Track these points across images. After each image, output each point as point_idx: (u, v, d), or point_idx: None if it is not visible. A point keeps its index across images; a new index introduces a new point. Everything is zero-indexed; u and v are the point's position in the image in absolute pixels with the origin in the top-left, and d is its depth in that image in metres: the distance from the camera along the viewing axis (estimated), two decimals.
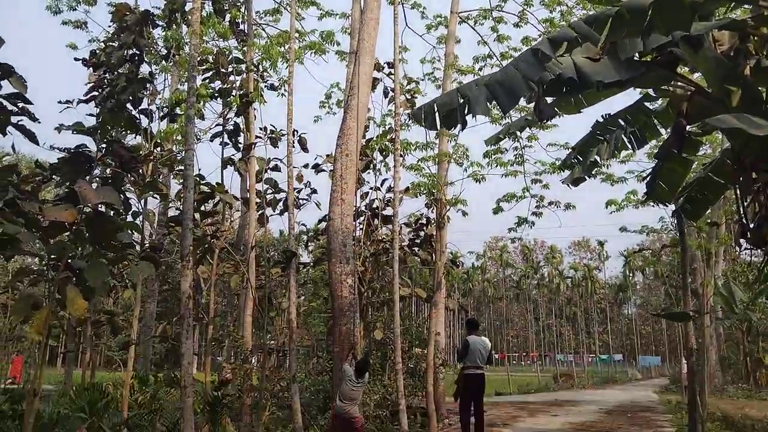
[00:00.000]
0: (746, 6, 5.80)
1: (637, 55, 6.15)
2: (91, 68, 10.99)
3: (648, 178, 7.67)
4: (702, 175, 7.64)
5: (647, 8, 4.77)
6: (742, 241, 6.44)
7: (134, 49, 10.68)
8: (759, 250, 6.89)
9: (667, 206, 9.18)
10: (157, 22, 11.12)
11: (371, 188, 17.48)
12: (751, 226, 6.25)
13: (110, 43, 11.36)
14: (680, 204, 7.94)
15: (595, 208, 25.01)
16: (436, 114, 5.97)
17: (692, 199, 7.60)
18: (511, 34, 18.88)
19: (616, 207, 17.28)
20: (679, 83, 6.63)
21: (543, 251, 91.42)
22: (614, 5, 5.45)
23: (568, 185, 7.97)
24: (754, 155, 5.72)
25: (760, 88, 5.99)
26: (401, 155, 15.27)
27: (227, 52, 13.50)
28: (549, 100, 6.67)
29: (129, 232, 8.03)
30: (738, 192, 6.33)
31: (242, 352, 11.63)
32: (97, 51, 11.63)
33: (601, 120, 7.32)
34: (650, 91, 7.02)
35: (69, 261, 6.93)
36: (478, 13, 18.95)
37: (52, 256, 7.24)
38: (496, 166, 15.78)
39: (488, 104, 5.75)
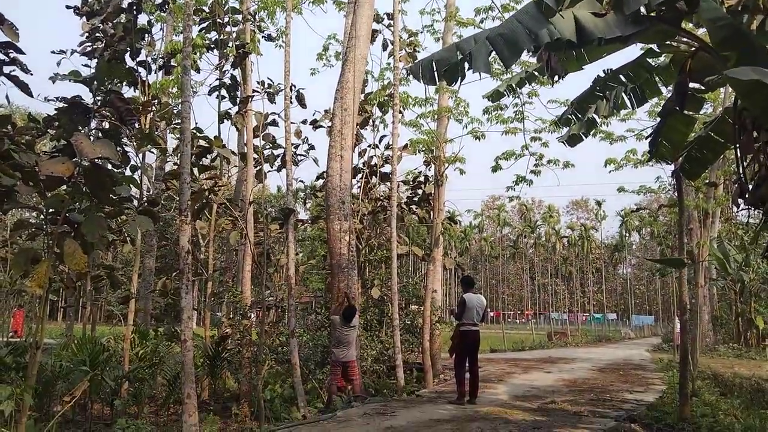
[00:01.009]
0: None
1: (642, 9, 6.01)
2: (84, 17, 10.75)
3: (651, 137, 7.59)
4: (702, 134, 7.57)
5: None
6: (740, 201, 6.44)
7: None
8: (756, 211, 6.90)
9: (668, 164, 9.14)
10: None
11: (369, 145, 17.39)
12: (750, 186, 6.23)
13: None
14: (679, 163, 7.90)
15: (594, 167, 24.92)
16: (435, 69, 5.86)
17: (691, 159, 7.56)
18: None
19: (615, 166, 17.22)
20: (684, 39, 6.51)
21: (541, 211, 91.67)
22: None
23: (564, 143, 7.91)
24: (757, 112, 5.66)
25: (766, 46, 5.88)
26: (400, 111, 15.12)
27: (223, 2, 13.21)
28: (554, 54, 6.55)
29: (127, 186, 7.99)
30: (738, 151, 6.28)
31: (241, 308, 11.77)
32: None
33: (602, 75, 7.20)
34: (654, 47, 6.90)
35: (67, 215, 6.92)
36: None
37: (50, 210, 7.22)
38: (496, 122, 15.64)
39: (489, 58, 5.64)
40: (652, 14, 6.14)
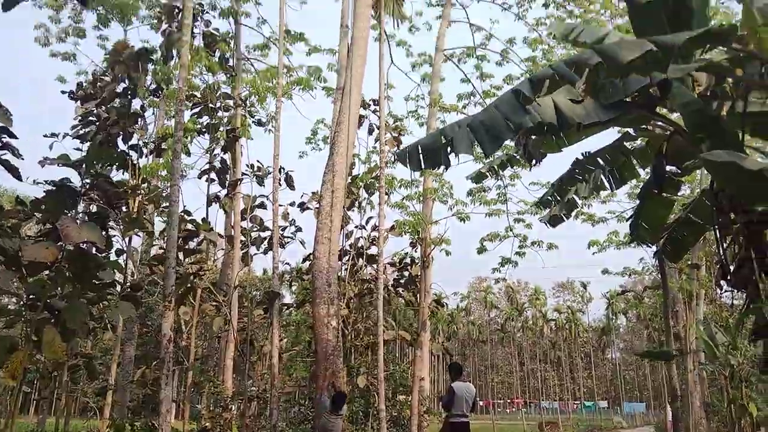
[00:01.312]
0: (721, 48, 5.98)
1: (618, 95, 6.30)
2: (79, 102, 11.01)
3: (631, 219, 7.75)
4: (682, 216, 7.74)
5: (626, 53, 4.91)
6: (722, 283, 6.47)
7: (127, 83, 10.73)
8: (739, 292, 6.93)
9: (650, 247, 9.27)
10: (152, 58, 11.23)
11: (356, 227, 17.51)
12: (731, 267, 6.29)
13: (101, 77, 11.43)
14: (661, 245, 8.02)
15: (578, 247, 25.14)
16: (421, 155, 6.03)
17: (673, 240, 7.68)
18: (494, 72, 19.33)
19: (599, 248, 17.42)
20: (659, 123, 6.79)
21: (527, 292, 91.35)
22: (593, 47, 5.60)
23: (545, 224, 8.02)
24: (733, 194, 5.83)
25: (736, 131, 6.14)
26: (386, 193, 15.35)
27: (216, 87, 13.64)
28: (532, 138, 6.79)
29: (111, 271, 7.90)
30: (717, 233, 6.40)
31: (222, 399, 11.30)
32: (84, 83, 11.68)
33: (580, 158, 7.42)
34: (630, 131, 7.17)
35: (48, 301, 6.78)
36: (462, 51, 19.35)
37: (31, 296, 7.08)
38: (480, 204, 15.93)
39: (471, 144, 5.82)
40: (627, 100, 6.43)
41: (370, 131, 17.73)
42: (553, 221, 8.12)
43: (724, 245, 6.39)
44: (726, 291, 7.11)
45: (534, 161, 7.10)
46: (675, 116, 7.98)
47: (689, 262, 17.85)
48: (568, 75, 5.45)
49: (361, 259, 17.27)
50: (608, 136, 7.56)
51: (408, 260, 18.90)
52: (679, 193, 10.52)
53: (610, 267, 21.60)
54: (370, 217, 17.71)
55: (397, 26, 16.06)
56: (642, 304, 44.51)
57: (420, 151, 6.19)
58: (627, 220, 8.52)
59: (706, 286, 23.50)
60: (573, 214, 8.83)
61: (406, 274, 18.91)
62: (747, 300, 6.43)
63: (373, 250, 16.95)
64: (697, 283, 22.50)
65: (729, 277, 6.27)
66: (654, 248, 9.00)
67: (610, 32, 7.51)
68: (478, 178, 8.42)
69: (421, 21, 18.95)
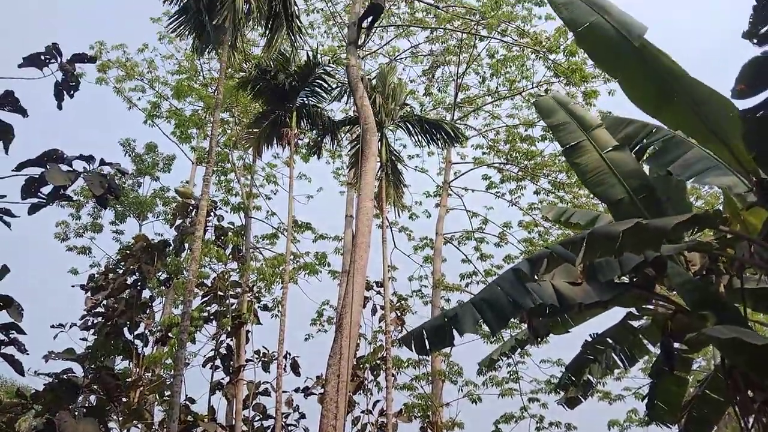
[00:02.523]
0: (710, 229, 6.27)
1: (616, 275, 6.46)
2: (89, 293, 11.25)
3: (647, 398, 7.54)
4: (699, 392, 7.51)
5: (618, 233, 5.16)
6: None
7: (137, 275, 11.06)
8: None
9: (670, 428, 8.85)
10: (164, 250, 11.69)
11: (363, 411, 16.78)
12: None
13: (113, 269, 11.79)
14: (683, 425, 7.67)
15: (597, 426, 23.84)
16: (426, 338, 6.06)
17: (693, 419, 7.36)
18: (494, 253, 19.84)
19: (620, 429, 16.63)
20: (660, 302, 6.87)
21: None
22: (587, 229, 5.88)
23: (564, 406, 7.81)
24: (745, 370, 5.72)
25: (736, 305, 6.20)
26: (393, 374, 14.99)
27: (226, 277, 13.98)
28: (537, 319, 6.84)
29: None
30: (737, 411, 6.18)
31: None
32: (96, 275, 12.00)
33: (589, 339, 7.42)
34: (633, 310, 7.23)
35: None
36: (461, 234, 20.09)
37: None
38: (492, 385, 15.47)
39: (477, 322, 5.89)
40: (625, 280, 6.58)
41: (374, 311, 17.79)
42: (571, 403, 8.01)
43: (749, 424, 6.13)
44: None
45: (539, 340, 7.13)
46: (675, 293, 8.11)
47: None
48: (565, 254, 5.67)
49: None
50: (616, 313, 7.66)
51: None
52: (694, 366, 10.29)
53: None
54: (377, 401, 17.06)
55: (399, 215, 16.98)
56: None
57: (425, 335, 6.23)
58: (643, 399, 8.26)
59: None
60: (589, 393, 8.65)
61: None
62: None
63: None
64: None
65: None
66: (675, 428, 8.61)
67: (600, 214, 7.93)
68: (489, 363, 8.37)
69: (420, 209, 20.24)
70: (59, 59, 5.38)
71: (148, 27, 19.32)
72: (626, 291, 6.36)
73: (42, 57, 5.41)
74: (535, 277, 5.89)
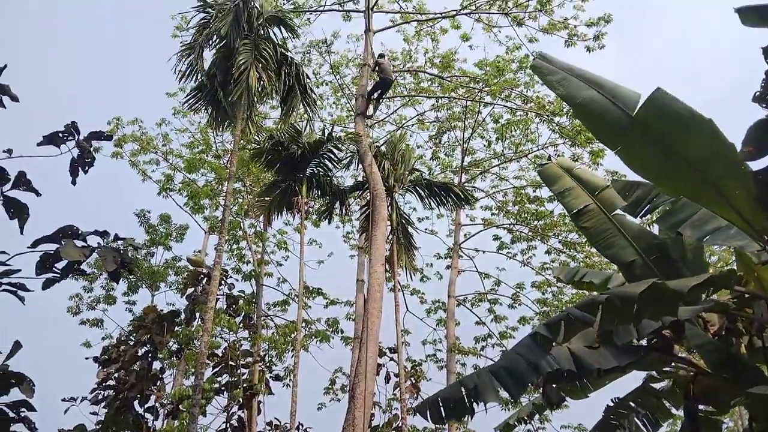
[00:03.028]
0: (725, 289, 6.18)
1: (634, 339, 6.35)
2: (101, 366, 11.16)
3: None
4: None
5: (635, 297, 5.10)
6: None
7: (148, 346, 10.99)
8: None
9: None
10: (175, 321, 11.67)
11: None
12: None
13: (125, 340, 11.74)
14: None
15: None
16: (442, 407, 5.92)
17: None
18: (508, 314, 19.59)
19: None
20: (680, 364, 6.71)
21: None
22: (603, 293, 5.81)
23: None
24: None
25: (758, 365, 6.05)
26: None
27: (237, 346, 13.86)
28: (555, 385, 6.69)
29: None
30: None
31: None
32: (109, 347, 11.94)
33: (611, 404, 7.22)
34: (653, 373, 7.06)
35: None
36: (474, 296, 19.91)
37: None
38: None
39: (497, 391, 5.77)
40: (644, 343, 6.46)
41: (387, 379, 17.45)
42: None
43: None
44: None
45: (554, 406, 6.94)
46: (696, 355, 7.92)
47: None
48: (583, 318, 5.59)
49: None
50: (637, 374, 7.47)
51: None
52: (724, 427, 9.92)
53: None
54: None
55: (411, 278, 16.91)
56: None
57: (440, 404, 6.08)
58: None
59: None
60: None
61: None
62: None
63: None
64: None
65: None
66: None
67: (613, 274, 7.85)
68: (506, 429, 8.12)
69: (431, 271, 20.19)
70: (77, 137, 5.55)
71: (152, 46, 19.83)
72: (645, 354, 6.23)
73: (60, 135, 5.59)
74: (554, 345, 5.81)
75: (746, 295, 6.03)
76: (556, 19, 16.16)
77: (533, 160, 18.74)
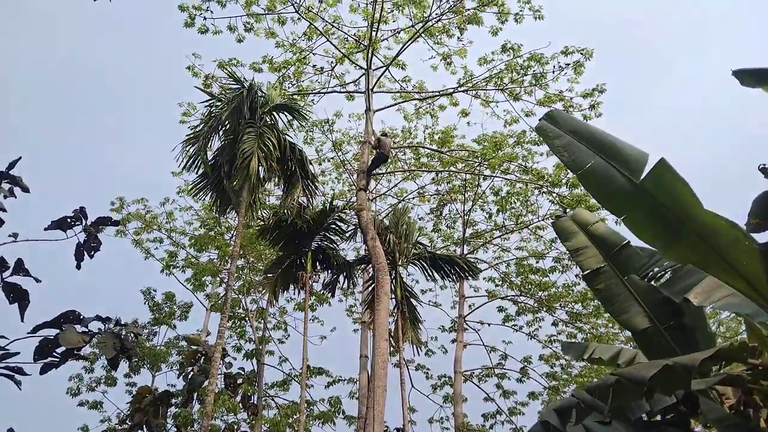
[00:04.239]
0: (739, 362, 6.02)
1: (644, 413, 6.15)
2: None
3: None
4: None
5: (646, 379, 4.95)
6: None
7: (145, 429, 10.70)
8: None
9: None
10: (173, 402, 11.42)
11: None
12: None
13: (124, 422, 11.48)
14: None
15: None
16: None
17: None
18: (517, 389, 19.14)
19: None
20: None
21: None
22: (613, 373, 5.66)
23: None
24: None
25: None
26: None
27: (236, 426, 13.47)
28: None
29: None
30: None
31: None
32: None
33: None
34: None
35: None
36: (481, 371, 19.49)
37: None
38: None
39: None
40: (659, 419, 6.23)
41: None
42: None
43: None
44: None
45: None
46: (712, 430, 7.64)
47: None
48: (593, 403, 5.42)
49: None
50: None
51: None
52: None
53: None
54: None
55: (417, 352, 16.60)
56: None
57: None
58: None
59: None
60: None
61: None
62: None
63: None
64: None
65: None
66: None
67: (622, 349, 7.67)
68: None
69: (436, 344, 19.84)
70: (84, 222, 5.61)
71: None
72: (660, 430, 6.01)
73: (68, 220, 5.65)
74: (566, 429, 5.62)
75: (760, 368, 5.88)
76: (552, 92, 16.62)
77: (534, 231, 18.81)
